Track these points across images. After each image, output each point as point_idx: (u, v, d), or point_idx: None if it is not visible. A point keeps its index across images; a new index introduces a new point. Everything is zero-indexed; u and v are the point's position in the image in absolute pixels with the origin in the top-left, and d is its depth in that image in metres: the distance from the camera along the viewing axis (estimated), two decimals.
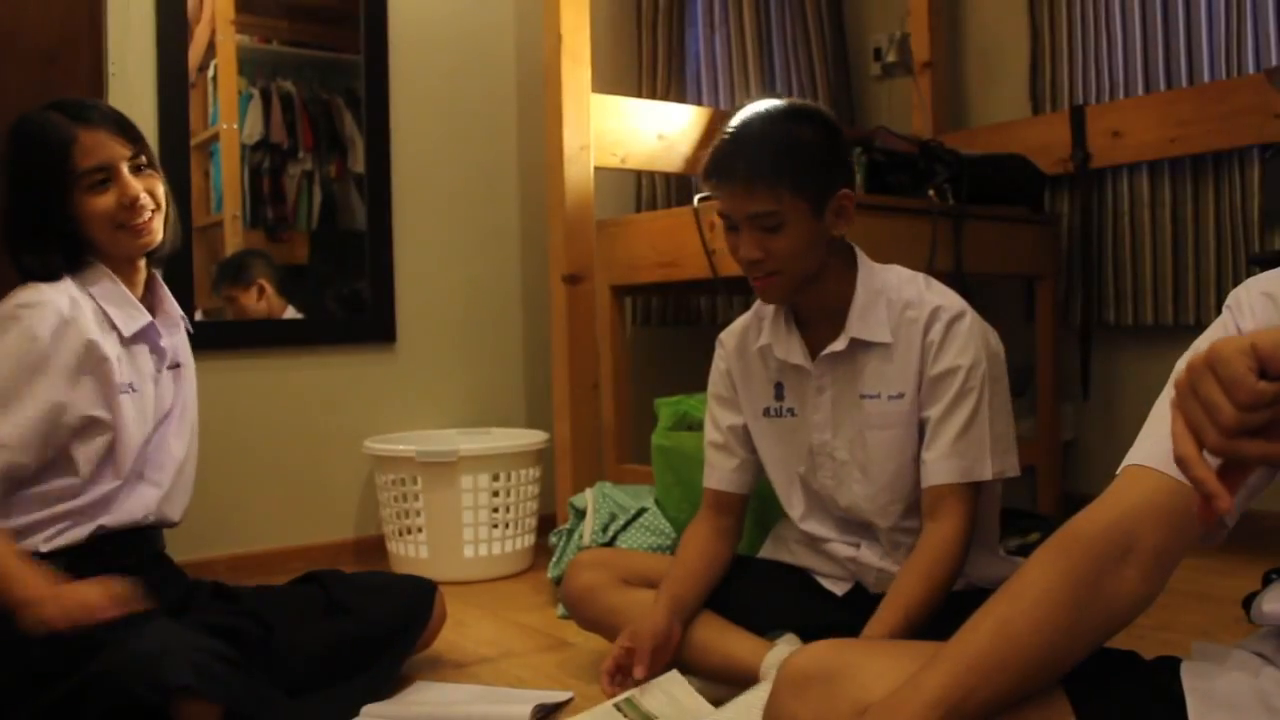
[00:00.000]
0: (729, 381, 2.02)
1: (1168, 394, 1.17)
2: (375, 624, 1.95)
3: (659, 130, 3.20)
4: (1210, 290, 3.12)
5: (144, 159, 1.85)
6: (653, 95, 3.67)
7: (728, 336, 2.04)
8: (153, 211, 1.85)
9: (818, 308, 1.85)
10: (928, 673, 1.10)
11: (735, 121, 1.81)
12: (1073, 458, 3.51)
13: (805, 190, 1.73)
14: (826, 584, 1.95)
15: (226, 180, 3.09)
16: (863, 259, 1.87)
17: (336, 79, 3.28)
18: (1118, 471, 1.16)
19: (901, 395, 1.81)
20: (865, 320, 1.81)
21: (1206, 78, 3.17)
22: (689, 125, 3.30)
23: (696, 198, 2.82)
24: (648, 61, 3.75)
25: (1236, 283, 2.92)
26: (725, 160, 1.76)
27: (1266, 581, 2.33)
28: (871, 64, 4.01)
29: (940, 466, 1.78)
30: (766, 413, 1.96)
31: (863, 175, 2.87)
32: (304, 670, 1.82)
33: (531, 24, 3.42)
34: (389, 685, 1.95)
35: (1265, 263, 2.67)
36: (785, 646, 1.75)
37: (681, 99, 3.70)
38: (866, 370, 1.83)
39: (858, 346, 1.82)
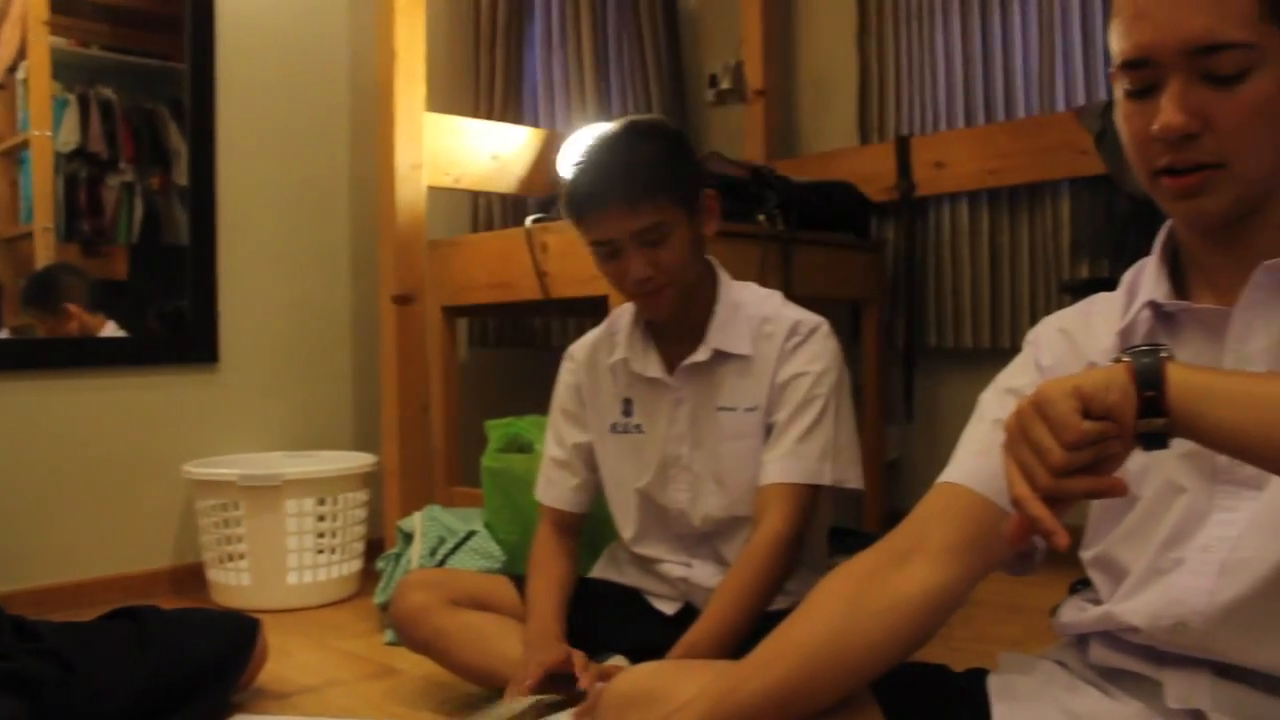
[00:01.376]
0: (578, 396, 2.01)
1: (975, 420, 1.23)
2: (193, 662, 1.87)
3: (493, 151, 3.18)
4: (1025, 316, 3.26)
5: None
6: (489, 116, 3.65)
7: (578, 350, 2.03)
8: None
9: (678, 322, 1.86)
10: (703, 689, 1.14)
11: (589, 149, 1.78)
12: (897, 477, 3.62)
13: (680, 195, 1.76)
14: (657, 604, 1.95)
15: (38, 190, 2.94)
16: (721, 274, 1.91)
17: (161, 88, 3.16)
18: None
19: (756, 408, 1.84)
20: (726, 332, 1.84)
21: (1022, 113, 3.32)
22: (523, 146, 3.30)
23: (529, 219, 2.81)
24: (484, 81, 3.73)
25: (1049, 309, 3.08)
26: (598, 186, 1.74)
27: (1072, 592, 2.44)
28: (706, 90, 4.07)
29: (778, 466, 1.79)
30: (614, 429, 1.96)
31: None
32: (114, 712, 1.73)
33: (366, 39, 3.36)
34: None
35: (1075, 290, 2.81)
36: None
37: (518, 120, 3.69)
38: (725, 383, 1.86)
39: (718, 358, 1.85)
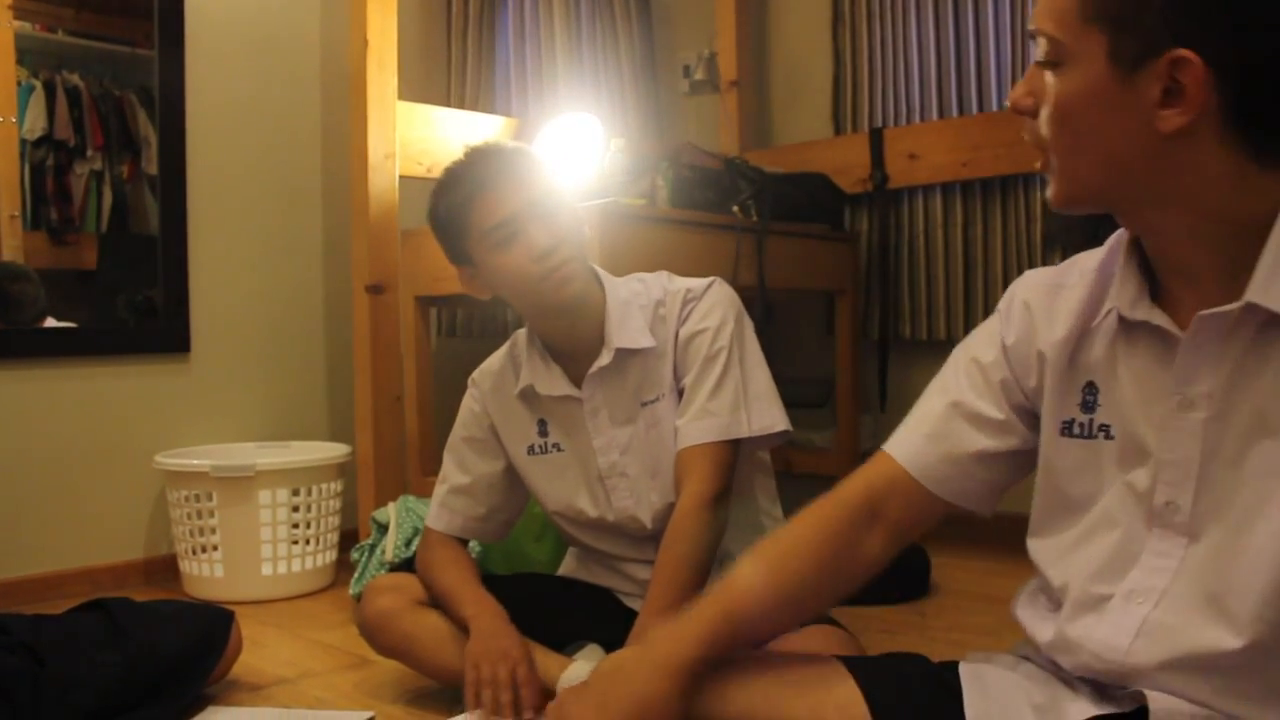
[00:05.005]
0: (485, 424, 1.99)
1: (937, 390, 1.32)
2: (165, 655, 1.85)
3: (466, 140, 3.15)
4: None
5: None
6: (461, 104, 3.63)
7: (482, 378, 2.01)
8: None
9: (573, 335, 1.85)
10: (700, 605, 1.25)
11: (456, 163, 1.84)
12: None
13: (557, 179, 1.83)
14: (627, 601, 1.95)
15: (2, 177, 2.91)
16: (604, 274, 1.90)
17: (129, 74, 3.13)
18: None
19: (672, 387, 1.85)
20: (624, 330, 1.83)
21: (995, 106, 3.33)
22: (497, 136, 3.28)
23: None
24: (456, 70, 3.71)
25: None
26: (484, 170, 1.78)
27: None
28: (680, 80, 4.07)
29: (690, 429, 1.79)
30: (531, 450, 1.94)
31: (669, 190, 2.91)
32: (86, 706, 1.71)
33: (338, 27, 3.34)
34: (178, 717, 1.86)
35: None
36: (584, 664, 1.74)
37: (490, 109, 3.67)
38: (639, 378, 1.85)
39: (624, 357, 1.83)
